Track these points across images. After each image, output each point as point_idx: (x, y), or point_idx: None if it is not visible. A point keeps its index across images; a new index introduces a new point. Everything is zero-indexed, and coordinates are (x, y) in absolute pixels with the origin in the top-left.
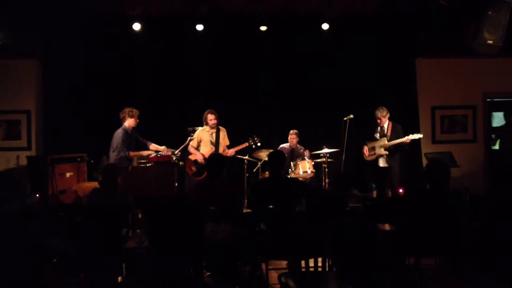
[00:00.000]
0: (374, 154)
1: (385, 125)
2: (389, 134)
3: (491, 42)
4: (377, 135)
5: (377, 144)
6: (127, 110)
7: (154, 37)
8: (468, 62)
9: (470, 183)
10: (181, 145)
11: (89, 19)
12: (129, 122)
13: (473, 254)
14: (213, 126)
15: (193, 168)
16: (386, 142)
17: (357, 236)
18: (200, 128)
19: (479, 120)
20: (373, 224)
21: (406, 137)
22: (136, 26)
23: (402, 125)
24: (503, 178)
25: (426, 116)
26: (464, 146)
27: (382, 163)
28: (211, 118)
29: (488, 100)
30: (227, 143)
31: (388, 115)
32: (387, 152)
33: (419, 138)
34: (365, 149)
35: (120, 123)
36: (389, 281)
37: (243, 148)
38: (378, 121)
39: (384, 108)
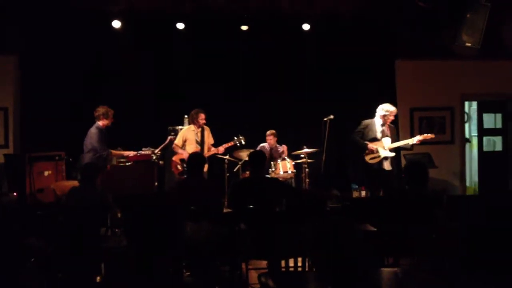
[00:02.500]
0: (379, 156)
1: (385, 125)
2: (389, 134)
3: (469, 44)
4: (379, 135)
5: (379, 145)
6: (103, 109)
7: (135, 35)
8: (447, 64)
9: (448, 184)
10: (161, 144)
11: (69, 14)
12: (103, 122)
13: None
14: (202, 125)
15: (179, 167)
16: (391, 143)
17: (336, 236)
18: (183, 127)
19: (457, 121)
20: (353, 224)
21: (417, 137)
22: (116, 24)
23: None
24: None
25: (405, 117)
26: (442, 147)
27: (387, 166)
28: (202, 117)
29: (467, 102)
30: (212, 141)
31: None
32: (393, 154)
33: (430, 138)
34: (373, 148)
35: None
36: (367, 281)
37: (227, 147)
38: (391, 117)
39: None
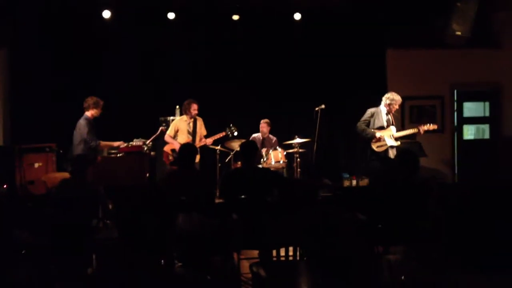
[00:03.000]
0: (385, 145)
1: (390, 114)
2: (395, 123)
3: (459, 33)
4: (385, 124)
5: (386, 133)
6: (92, 100)
7: (125, 25)
8: (437, 53)
9: (438, 173)
10: (153, 135)
11: (58, 5)
12: (92, 112)
13: (441, 242)
14: (194, 116)
15: (171, 158)
16: (396, 132)
17: (327, 225)
18: (174, 118)
19: (447, 110)
20: (343, 213)
21: (421, 127)
22: (106, 14)
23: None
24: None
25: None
26: (432, 136)
27: (392, 154)
28: (195, 108)
29: (456, 90)
30: (204, 132)
31: None
32: (399, 143)
33: (434, 129)
34: (381, 136)
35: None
36: (358, 269)
37: (219, 138)
38: (396, 106)
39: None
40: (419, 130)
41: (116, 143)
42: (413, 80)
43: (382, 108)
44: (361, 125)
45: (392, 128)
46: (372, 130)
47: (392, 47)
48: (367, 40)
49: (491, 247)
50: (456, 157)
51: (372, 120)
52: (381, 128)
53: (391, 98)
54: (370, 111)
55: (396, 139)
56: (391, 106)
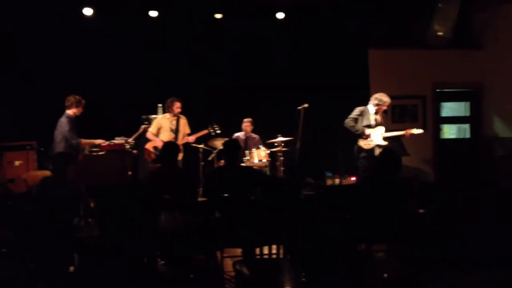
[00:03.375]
0: (372, 143)
1: (378, 114)
2: (383, 123)
3: (441, 33)
4: (372, 123)
5: (374, 132)
6: (74, 98)
7: (107, 23)
8: (419, 53)
9: (420, 171)
10: (135, 133)
11: (38, 2)
12: (74, 111)
13: (423, 240)
14: (177, 114)
15: (152, 155)
16: (384, 132)
17: (310, 223)
18: (156, 116)
19: (429, 110)
20: (327, 212)
21: (408, 131)
22: (88, 11)
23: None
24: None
25: None
26: (414, 135)
27: (378, 153)
28: (178, 106)
29: (438, 90)
30: (188, 131)
31: None
32: (386, 142)
33: (418, 134)
34: (369, 134)
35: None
36: (341, 267)
37: (202, 136)
38: (384, 107)
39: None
40: (405, 133)
41: (97, 141)
42: (395, 80)
43: (370, 108)
44: (349, 121)
45: (381, 128)
46: (362, 127)
47: (374, 47)
48: (349, 40)
49: (473, 244)
50: (437, 156)
51: (360, 118)
52: (369, 126)
53: (379, 99)
54: (358, 109)
55: (384, 139)
56: (379, 107)
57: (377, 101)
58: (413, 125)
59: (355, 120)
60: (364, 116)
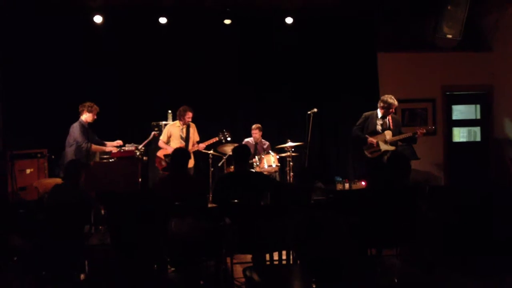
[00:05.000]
0: (379, 150)
1: (388, 117)
2: (392, 127)
3: (450, 36)
4: (379, 128)
5: (380, 138)
6: (87, 104)
7: (117, 29)
8: (428, 56)
9: (430, 175)
10: (145, 140)
11: (49, 9)
12: (86, 117)
13: (434, 245)
14: (187, 123)
15: (163, 163)
16: (392, 136)
17: (320, 229)
18: (166, 122)
19: (439, 113)
20: (336, 217)
21: (420, 130)
22: (98, 19)
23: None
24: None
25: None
26: (424, 138)
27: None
28: (189, 116)
29: (448, 93)
30: (197, 138)
31: None
32: (394, 147)
33: (431, 130)
34: (373, 141)
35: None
36: (351, 272)
37: (212, 143)
38: (390, 110)
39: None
40: (417, 132)
41: (108, 148)
42: (405, 83)
43: (378, 112)
44: (355, 130)
45: (387, 133)
46: (365, 136)
47: (383, 50)
48: (358, 43)
49: (484, 249)
50: (448, 160)
51: (365, 124)
52: (374, 132)
53: (384, 101)
54: (364, 115)
55: (391, 143)
56: (385, 110)
57: (382, 103)
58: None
59: (361, 128)
60: (369, 122)
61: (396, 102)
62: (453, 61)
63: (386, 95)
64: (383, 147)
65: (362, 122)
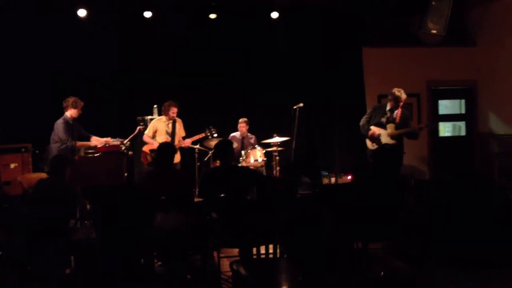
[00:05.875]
0: (380, 142)
1: (396, 110)
2: (398, 121)
3: (434, 31)
4: (384, 120)
5: (382, 131)
6: (71, 100)
7: (102, 23)
8: (413, 51)
9: (415, 169)
10: (130, 135)
11: (32, 3)
12: (71, 112)
13: (419, 238)
14: (173, 118)
15: (149, 158)
16: (394, 130)
17: (306, 222)
18: (152, 117)
19: (424, 107)
20: (322, 210)
21: (417, 126)
22: (82, 12)
23: (350, 113)
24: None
25: (373, 104)
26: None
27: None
28: (174, 111)
29: (432, 88)
30: (183, 134)
31: None
32: (394, 142)
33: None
34: (375, 134)
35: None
36: (337, 266)
37: (194, 140)
38: (400, 103)
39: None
40: (417, 130)
41: (93, 143)
42: (390, 78)
43: (388, 104)
44: (362, 120)
45: (389, 126)
46: (369, 127)
47: (368, 45)
48: (343, 38)
49: (470, 243)
50: (433, 154)
51: (373, 115)
52: (379, 124)
53: (391, 93)
54: (374, 106)
55: (393, 137)
56: (393, 102)
57: (390, 96)
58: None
59: (368, 118)
60: (377, 113)
61: (403, 95)
62: (438, 56)
63: (395, 88)
64: (384, 139)
65: (371, 112)
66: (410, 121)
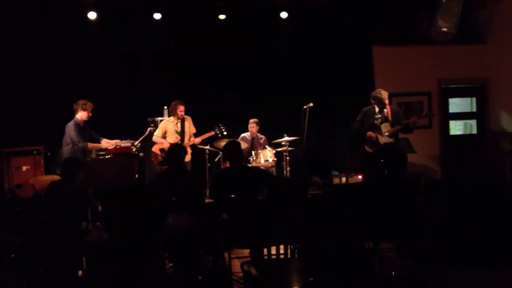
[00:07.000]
0: (379, 144)
1: (385, 109)
2: (390, 119)
3: (445, 29)
4: (377, 122)
5: (378, 132)
6: (81, 102)
7: (112, 25)
8: (423, 49)
9: (426, 168)
10: (141, 136)
11: (42, 5)
12: (81, 115)
13: (430, 238)
14: (181, 116)
15: (159, 158)
16: (390, 128)
17: (318, 223)
18: (162, 118)
19: (435, 106)
20: (333, 210)
21: (411, 119)
22: (92, 15)
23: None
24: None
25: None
26: (420, 132)
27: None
28: (181, 109)
29: (443, 86)
30: (194, 131)
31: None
32: (392, 140)
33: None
34: (373, 136)
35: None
36: (348, 266)
37: (208, 137)
38: (384, 102)
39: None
40: (410, 123)
41: (104, 145)
42: (400, 77)
43: (375, 107)
44: (355, 126)
45: (384, 126)
46: (364, 131)
47: (378, 44)
48: (353, 37)
49: (480, 243)
50: (444, 153)
51: (364, 118)
52: (373, 126)
53: (373, 97)
54: (363, 110)
55: (391, 135)
56: (378, 104)
57: (372, 100)
58: (419, 122)
59: (361, 122)
60: (368, 116)
61: (384, 94)
62: (448, 54)
63: (373, 92)
64: (383, 140)
65: (362, 117)
66: (401, 116)
